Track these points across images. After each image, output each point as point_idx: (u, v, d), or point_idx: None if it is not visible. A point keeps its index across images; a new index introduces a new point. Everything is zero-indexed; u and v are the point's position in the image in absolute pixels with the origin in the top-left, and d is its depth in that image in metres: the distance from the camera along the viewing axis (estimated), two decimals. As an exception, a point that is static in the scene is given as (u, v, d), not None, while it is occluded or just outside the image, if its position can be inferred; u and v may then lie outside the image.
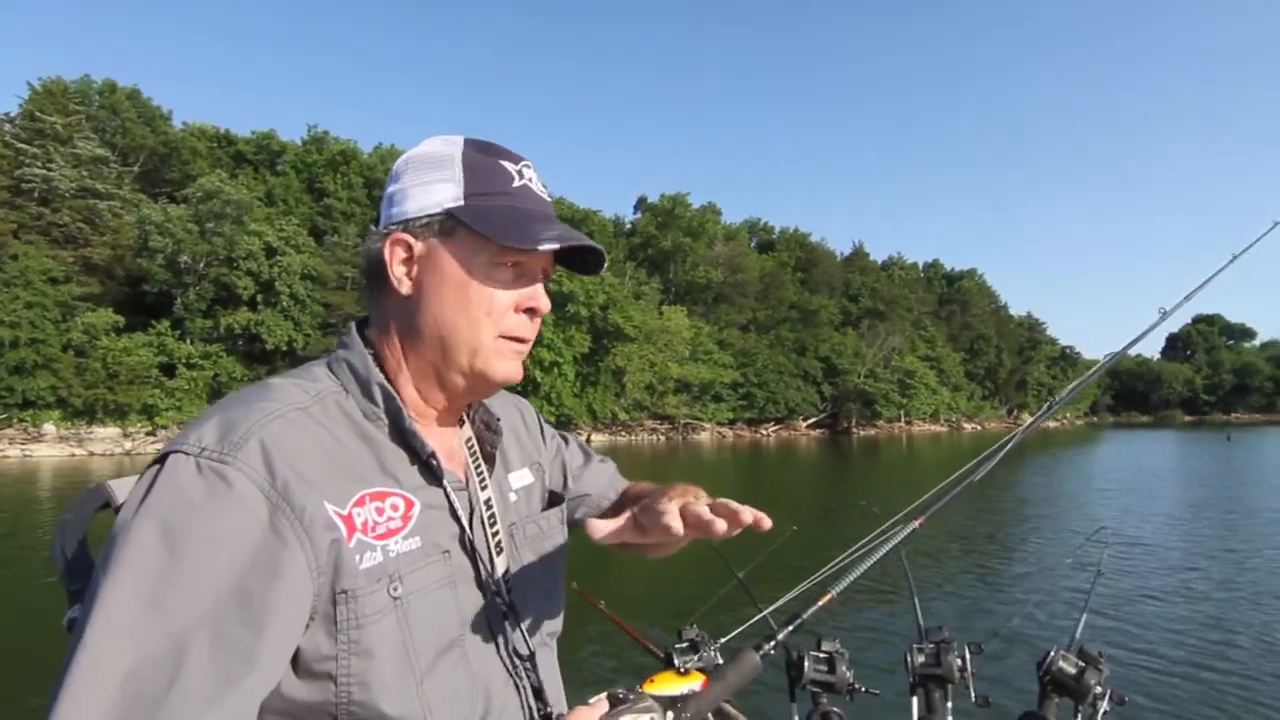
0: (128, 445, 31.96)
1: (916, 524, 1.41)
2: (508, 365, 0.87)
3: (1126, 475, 22.29)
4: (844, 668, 1.49)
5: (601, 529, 0.83)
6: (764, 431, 53.09)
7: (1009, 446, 1.61)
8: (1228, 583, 8.21)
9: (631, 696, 0.73)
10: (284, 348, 36.69)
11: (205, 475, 0.68)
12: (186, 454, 0.69)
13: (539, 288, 0.88)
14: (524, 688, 0.89)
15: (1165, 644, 6.01)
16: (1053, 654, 1.44)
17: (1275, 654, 5.73)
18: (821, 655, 1.51)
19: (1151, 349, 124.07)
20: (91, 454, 30.71)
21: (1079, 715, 1.38)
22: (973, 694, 1.46)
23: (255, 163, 46.51)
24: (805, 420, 56.10)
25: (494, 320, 0.85)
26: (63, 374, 31.11)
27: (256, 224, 37.23)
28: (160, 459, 0.70)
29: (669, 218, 54.84)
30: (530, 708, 0.88)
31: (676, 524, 0.76)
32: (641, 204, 59.63)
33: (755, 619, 1.54)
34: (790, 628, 1.03)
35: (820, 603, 1.17)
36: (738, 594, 1.98)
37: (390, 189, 0.88)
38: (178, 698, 0.61)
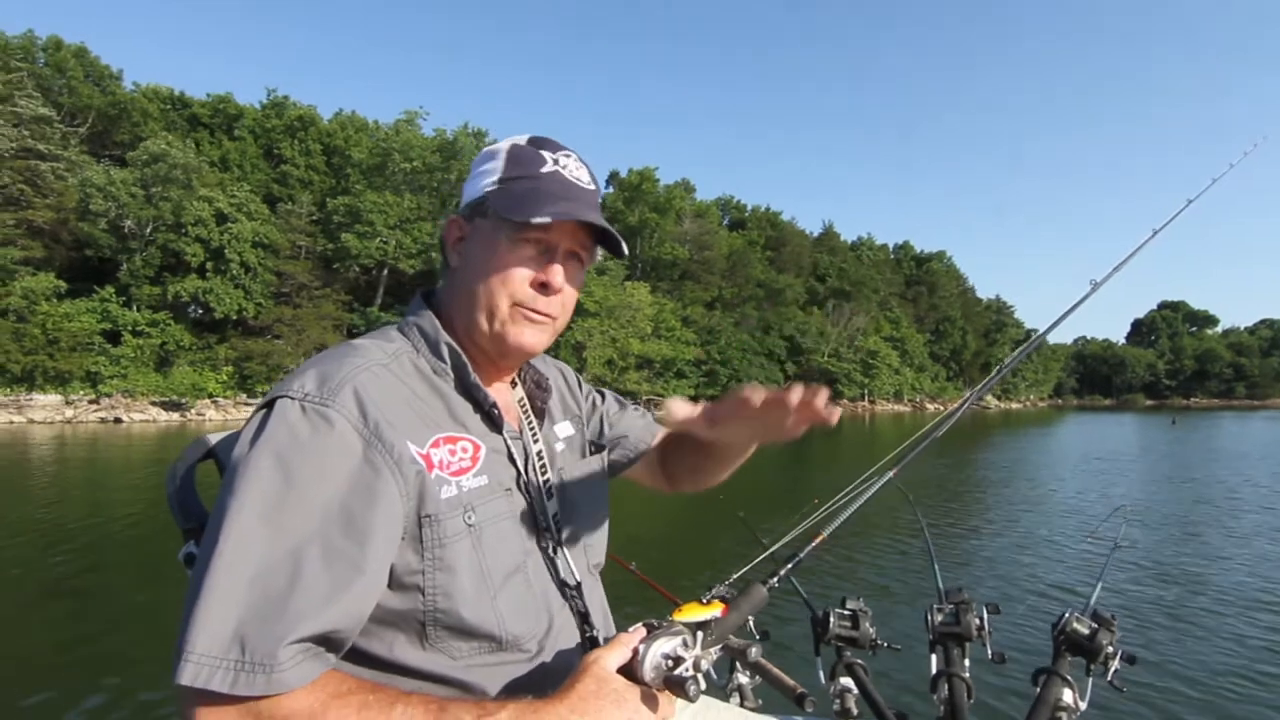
0: (69, 413, 31.32)
1: (891, 474, 1.49)
2: (523, 333, 0.96)
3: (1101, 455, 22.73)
4: (867, 624, 1.56)
5: (680, 410, 0.97)
6: (727, 409, 53.45)
7: (966, 404, 1.80)
8: (1227, 555, 8.37)
9: (664, 624, 0.83)
10: (234, 316, 36.06)
11: (309, 416, 0.79)
12: (291, 398, 0.81)
13: (555, 265, 0.96)
14: (574, 612, 1.00)
15: (1175, 610, 6.19)
16: (1067, 615, 1.49)
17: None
18: (846, 613, 1.57)
19: (1117, 334, 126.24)
20: (31, 421, 30.10)
21: (1091, 673, 1.44)
22: (989, 651, 1.51)
23: (211, 126, 45.20)
24: (768, 398, 56.51)
25: (508, 290, 0.94)
26: (0, 340, 30.38)
27: (207, 189, 36.33)
28: (267, 404, 0.81)
29: (636, 193, 54.33)
30: (580, 629, 1.00)
31: (755, 396, 0.88)
32: (613, 179, 59.08)
33: (758, 559, 1.63)
34: (790, 564, 1.15)
35: (814, 543, 1.27)
36: (764, 565, 2.08)
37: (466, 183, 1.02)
38: (299, 596, 0.71)
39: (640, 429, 1.30)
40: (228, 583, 0.70)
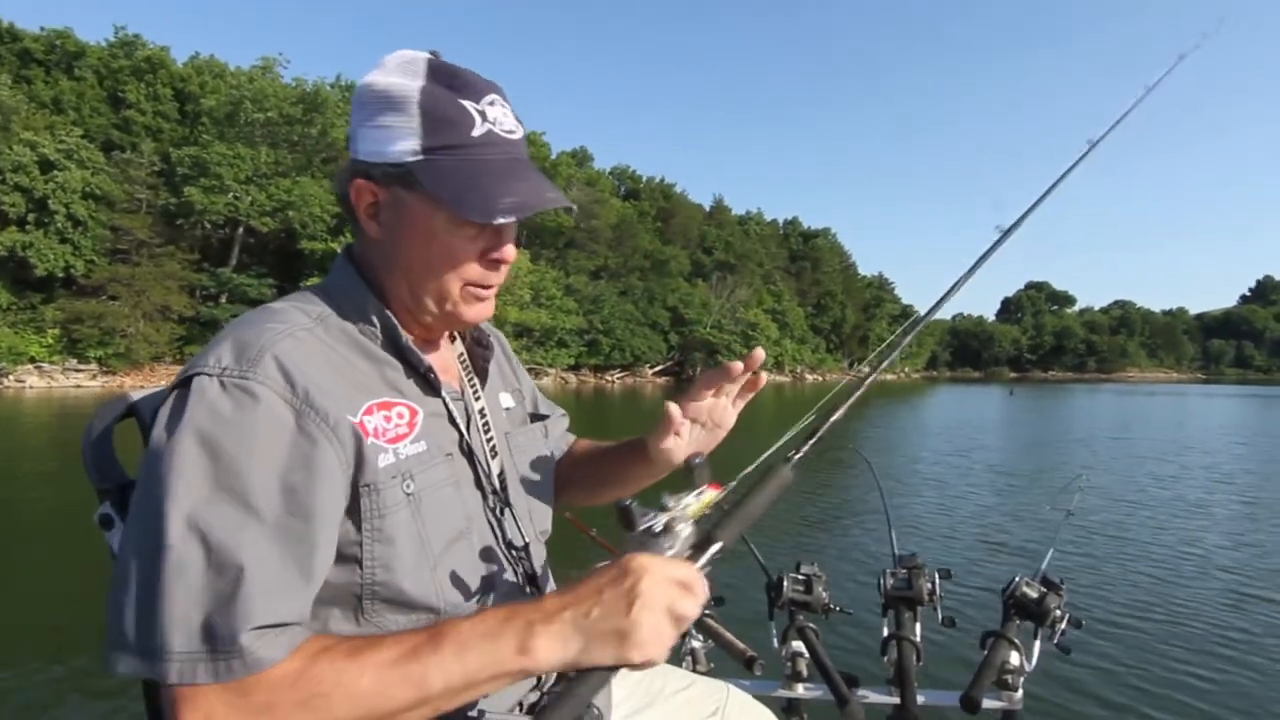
0: None
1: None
2: (475, 309, 0.91)
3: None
4: (820, 589, 1.59)
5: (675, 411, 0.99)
6: (609, 378, 53.80)
7: (851, 401, 1.75)
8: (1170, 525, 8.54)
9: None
10: (60, 274, 33.05)
11: (230, 391, 0.74)
12: (209, 374, 0.74)
13: (503, 238, 0.89)
14: (520, 574, 0.97)
15: (1123, 576, 6.28)
16: (1017, 580, 1.53)
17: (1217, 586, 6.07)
18: (800, 577, 1.60)
19: (988, 311, 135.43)
20: None
21: (1038, 636, 1.47)
22: (940, 615, 1.54)
23: (46, 64, 40.85)
24: (652, 368, 57.34)
25: (459, 274, 0.88)
26: None
27: (31, 133, 32.98)
28: (182, 382, 0.75)
29: (521, 158, 53.37)
30: (526, 592, 0.97)
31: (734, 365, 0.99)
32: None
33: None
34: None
35: (712, 550, 1.24)
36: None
37: (353, 121, 0.87)
38: (254, 583, 0.68)
39: (561, 433, 1.26)
40: (181, 578, 0.66)
